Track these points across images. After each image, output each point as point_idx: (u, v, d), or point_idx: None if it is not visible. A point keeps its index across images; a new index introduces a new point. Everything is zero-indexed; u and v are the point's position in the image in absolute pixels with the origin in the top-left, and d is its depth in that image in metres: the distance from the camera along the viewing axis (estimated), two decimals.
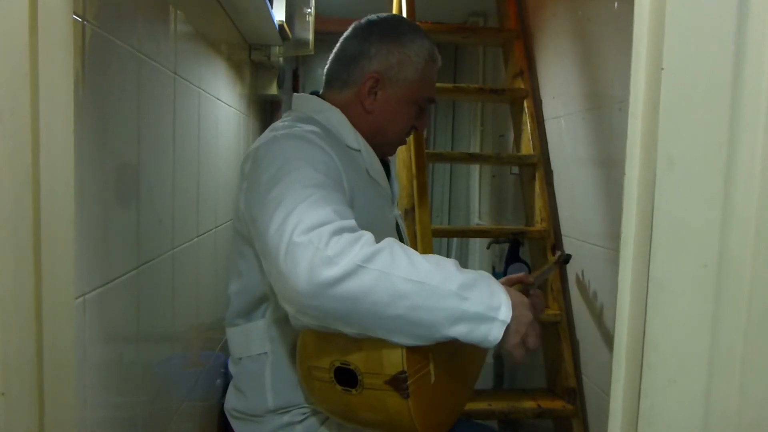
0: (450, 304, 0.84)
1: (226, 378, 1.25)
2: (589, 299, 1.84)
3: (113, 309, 0.94)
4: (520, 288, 1.31)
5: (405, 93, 1.15)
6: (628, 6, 1.58)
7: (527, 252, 2.30)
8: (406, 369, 0.87)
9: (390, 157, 1.31)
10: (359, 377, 0.89)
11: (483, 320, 0.86)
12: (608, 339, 1.75)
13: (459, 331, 0.86)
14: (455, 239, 3.60)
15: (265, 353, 1.10)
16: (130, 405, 1.05)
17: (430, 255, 0.89)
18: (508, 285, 1.32)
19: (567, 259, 1.71)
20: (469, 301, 0.85)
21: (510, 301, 0.89)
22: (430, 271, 0.85)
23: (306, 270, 0.80)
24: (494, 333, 0.87)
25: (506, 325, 0.87)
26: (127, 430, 1.04)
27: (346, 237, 0.83)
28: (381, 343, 0.87)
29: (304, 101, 1.19)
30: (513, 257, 2.27)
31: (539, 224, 2.12)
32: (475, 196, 3.28)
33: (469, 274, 0.88)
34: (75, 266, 0.70)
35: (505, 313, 0.88)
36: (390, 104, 1.15)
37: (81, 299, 0.81)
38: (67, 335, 0.68)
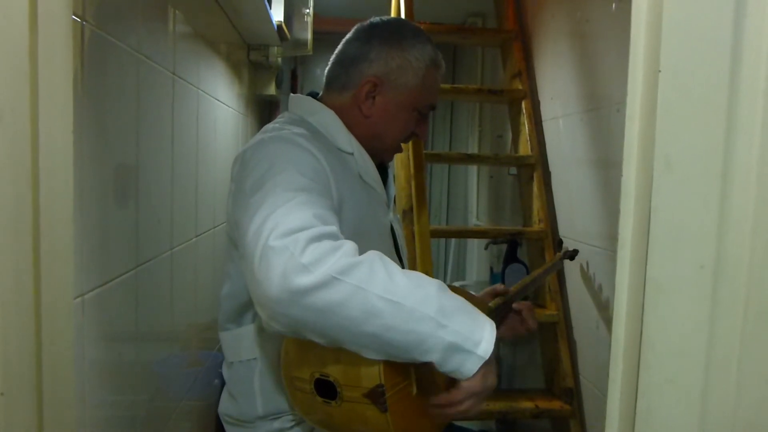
0: (425, 328, 0.81)
1: (224, 379, 1.25)
2: (587, 299, 1.85)
3: (112, 309, 0.94)
4: (502, 300, 1.28)
5: (404, 99, 1.13)
6: (626, 7, 1.58)
7: (525, 252, 2.30)
8: (383, 382, 0.85)
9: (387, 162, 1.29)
10: (338, 389, 0.88)
11: (457, 351, 0.83)
12: (606, 339, 1.75)
13: (431, 357, 0.83)
14: (453, 240, 3.60)
15: (255, 359, 1.08)
16: (129, 404, 1.05)
17: (413, 272, 0.86)
18: (489, 298, 1.28)
19: (573, 255, 1.69)
20: (446, 329, 0.81)
21: (494, 338, 0.85)
22: (409, 290, 0.81)
23: (279, 276, 0.77)
24: (468, 366, 0.84)
25: (483, 361, 0.84)
26: (126, 429, 1.04)
27: (325, 244, 0.80)
28: (359, 355, 0.84)
29: (298, 102, 1.18)
30: (511, 258, 2.28)
31: (537, 225, 2.12)
32: (473, 197, 3.28)
33: (451, 301, 0.85)
34: (74, 266, 0.70)
35: (485, 349, 0.84)
36: (389, 109, 1.13)
37: (80, 299, 0.81)
38: (66, 335, 0.68)
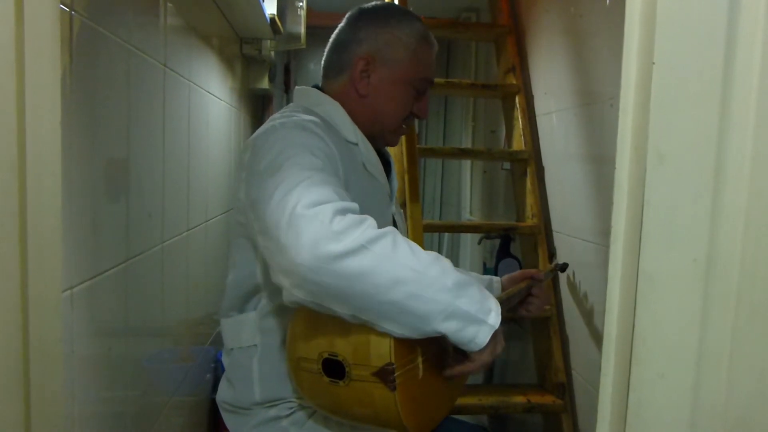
0: (445, 298, 0.85)
1: (216, 372, 1.24)
2: (580, 295, 1.85)
3: (101, 303, 0.93)
4: (529, 283, 1.32)
5: (398, 73, 1.15)
6: (620, 2, 1.58)
7: (518, 247, 2.30)
8: (393, 361, 0.87)
9: (390, 156, 1.31)
10: (347, 368, 0.89)
11: (473, 321, 0.88)
12: (598, 334, 1.75)
13: (449, 327, 0.87)
14: (446, 234, 3.60)
15: (255, 345, 1.10)
16: (119, 399, 1.04)
17: (427, 251, 0.90)
18: (520, 280, 1.35)
19: (564, 267, 1.71)
20: (463, 299, 0.87)
21: (500, 309, 0.91)
22: (430, 262, 0.86)
23: (310, 242, 0.80)
24: (482, 336, 0.89)
25: (494, 330, 0.89)
26: (116, 424, 1.03)
27: (351, 217, 0.84)
28: (369, 335, 0.87)
29: (303, 94, 1.20)
30: (504, 253, 2.28)
31: (530, 220, 2.12)
32: (467, 192, 3.28)
33: (463, 275, 0.90)
34: (62, 259, 0.69)
35: (494, 318, 0.90)
36: (384, 85, 1.15)
37: (68, 292, 0.80)
38: (54, 329, 0.67)
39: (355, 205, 0.88)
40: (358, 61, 1.14)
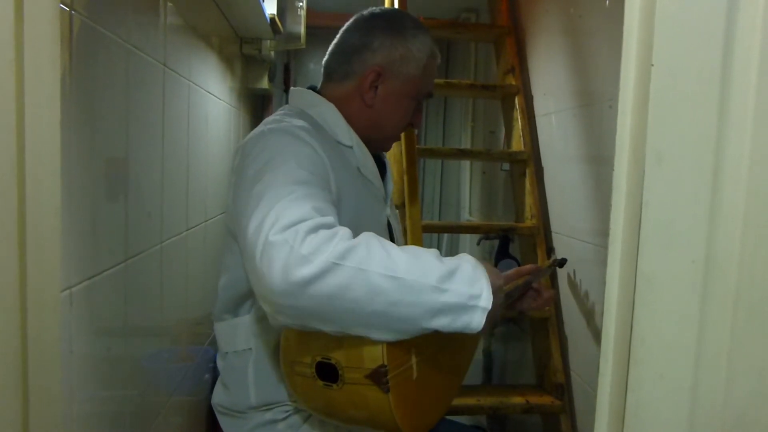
0: (429, 297, 0.83)
1: (215, 373, 1.24)
2: (579, 295, 1.85)
3: (100, 302, 0.93)
4: (527, 279, 1.32)
5: (406, 88, 1.15)
6: (619, 3, 1.58)
7: (517, 248, 2.30)
8: (386, 363, 0.86)
9: (386, 158, 1.30)
10: (340, 372, 0.89)
11: (464, 310, 0.86)
12: (597, 335, 1.76)
13: (440, 323, 0.85)
14: (445, 235, 3.60)
15: (250, 349, 1.09)
16: (118, 399, 1.04)
17: (409, 247, 0.88)
18: (516, 278, 1.34)
19: (562, 263, 1.71)
20: (449, 293, 0.84)
21: (490, 286, 0.88)
22: (409, 264, 0.84)
23: (280, 270, 0.79)
24: (476, 320, 0.87)
25: (487, 311, 0.87)
26: (114, 424, 1.03)
27: (322, 234, 0.82)
28: (362, 338, 0.86)
29: (298, 95, 1.19)
30: (503, 253, 2.28)
31: (529, 221, 2.13)
32: (466, 193, 3.28)
33: (449, 263, 0.87)
34: (61, 259, 0.69)
35: (486, 299, 0.87)
36: (390, 99, 1.15)
37: (67, 292, 0.80)
38: (53, 328, 0.67)
39: (329, 219, 0.86)
40: (370, 71, 1.12)
